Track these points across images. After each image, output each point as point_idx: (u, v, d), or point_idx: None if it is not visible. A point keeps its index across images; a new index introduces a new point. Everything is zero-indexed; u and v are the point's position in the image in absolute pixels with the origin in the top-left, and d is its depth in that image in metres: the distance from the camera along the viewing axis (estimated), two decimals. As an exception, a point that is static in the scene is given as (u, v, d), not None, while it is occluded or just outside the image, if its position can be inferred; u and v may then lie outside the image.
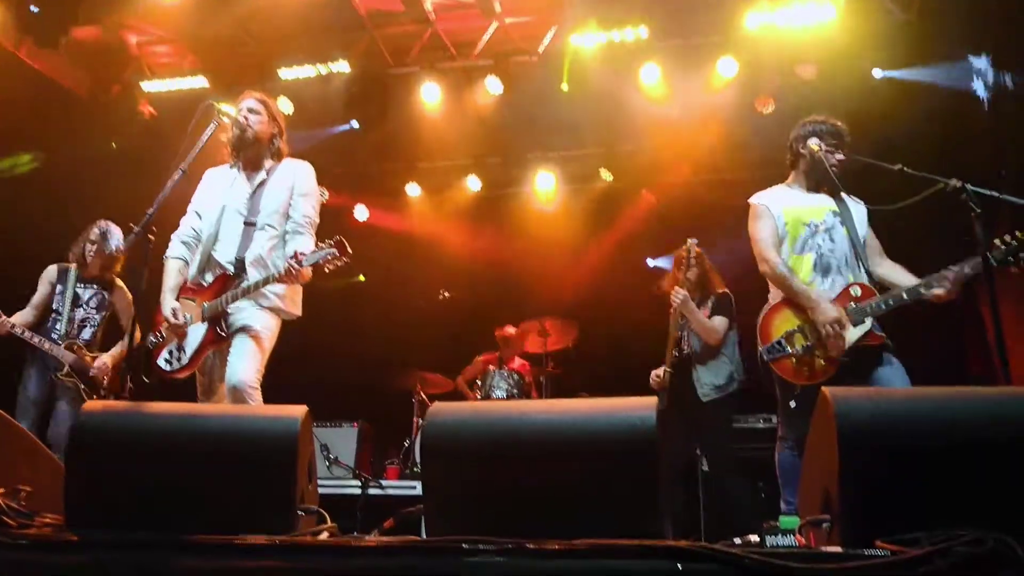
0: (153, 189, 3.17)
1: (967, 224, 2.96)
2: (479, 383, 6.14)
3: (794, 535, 1.97)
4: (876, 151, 3.66)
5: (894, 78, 5.84)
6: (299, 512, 2.08)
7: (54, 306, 4.73)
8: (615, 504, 1.89)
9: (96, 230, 4.78)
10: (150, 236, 3.06)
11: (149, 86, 6.76)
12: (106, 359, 4.70)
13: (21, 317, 4.66)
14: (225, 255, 3.42)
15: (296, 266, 3.15)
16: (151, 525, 1.96)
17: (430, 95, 6.60)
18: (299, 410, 2.16)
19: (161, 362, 3.39)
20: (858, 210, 3.59)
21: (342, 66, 6.42)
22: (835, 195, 3.59)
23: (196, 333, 3.36)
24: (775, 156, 3.91)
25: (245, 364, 3.22)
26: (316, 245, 3.26)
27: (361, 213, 8.05)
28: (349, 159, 7.52)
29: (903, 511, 1.72)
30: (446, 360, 6.81)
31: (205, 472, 2.07)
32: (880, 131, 5.07)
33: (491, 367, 6.29)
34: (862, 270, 3.46)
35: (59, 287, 4.76)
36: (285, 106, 6.30)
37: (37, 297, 4.76)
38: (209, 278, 3.43)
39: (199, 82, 6.62)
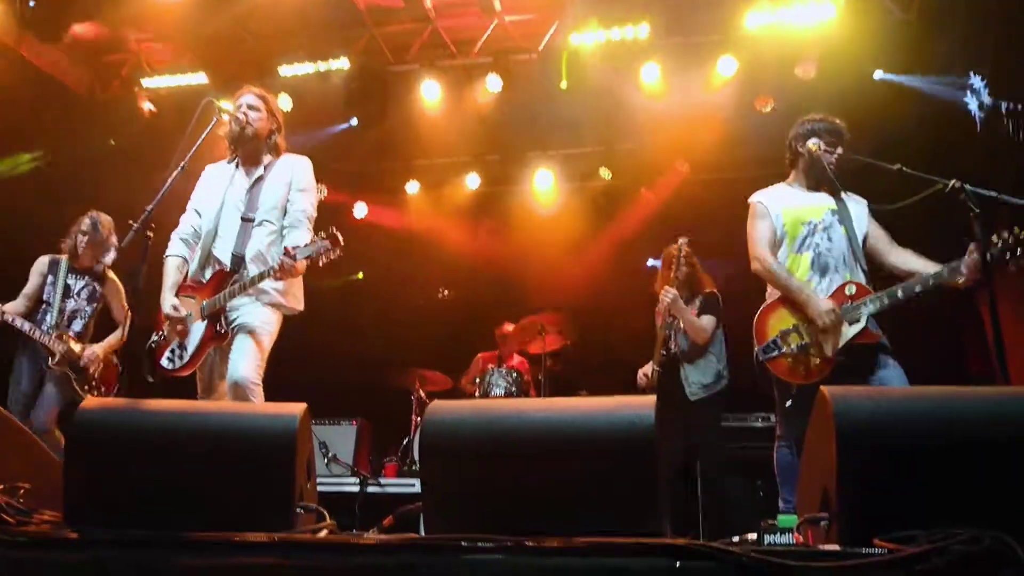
0: (152, 186, 3.17)
1: (966, 224, 2.96)
2: (478, 381, 6.15)
3: (792, 533, 1.97)
4: (875, 151, 3.66)
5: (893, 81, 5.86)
6: (298, 510, 2.08)
7: (44, 297, 4.75)
8: (614, 502, 1.89)
9: (87, 220, 4.81)
10: (149, 233, 3.05)
11: (149, 83, 6.75)
12: (96, 349, 4.73)
13: (12, 307, 4.67)
14: (224, 251, 3.42)
15: (289, 261, 3.14)
16: (150, 522, 1.95)
17: (430, 93, 6.60)
18: (298, 408, 2.17)
19: (164, 361, 3.39)
20: (858, 209, 3.59)
21: (342, 63, 6.41)
22: (835, 194, 3.59)
23: (196, 331, 3.36)
24: (775, 155, 3.92)
25: (246, 360, 3.22)
26: (311, 239, 3.26)
27: (360, 211, 8.05)
28: (348, 156, 7.52)
29: (901, 510, 1.72)
30: (445, 358, 6.82)
31: (204, 470, 2.07)
32: (879, 131, 5.06)
33: (490, 365, 6.30)
34: (859, 269, 3.47)
35: (50, 278, 4.78)
36: (285, 103, 6.29)
37: (28, 288, 4.78)
38: (208, 274, 3.43)
39: (199, 79, 6.61)
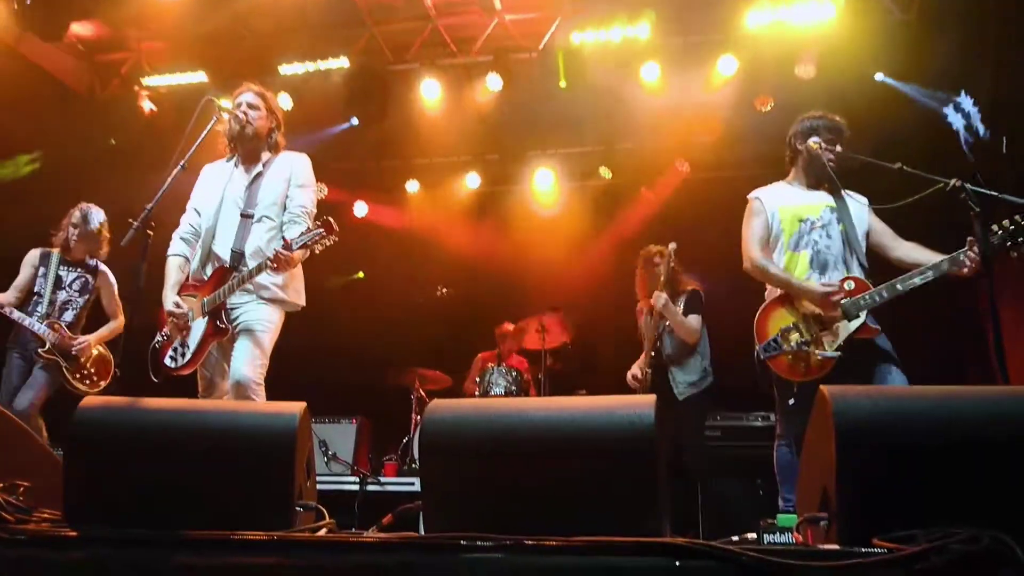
0: (152, 184, 3.17)
1: (966, 223, 2.96)
2: (478, 380, 6.15)
3: (792, 533, 1.97)
4: (875, 150, 3.66)
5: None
6: (297, 508, 2.08)
7: (36, 288, 4.76)
8: (614, 501, 1.88)
9: (77, 213, 4.82)
10: (149, 231, 3.05)
11: (148, 81, 6.75)
12: (88, 339, 4.74)
13: (3, 298, 4.68)
14: (223, 248, 3.42)
15: (285, 252, 3.13)
16: (149, 521, 1.95)
17: (430, 92, 6.60)
18: (298, 406, 2.16)
19: (167, 360, 3.40)
20: (857, 207, 3.59)
21: (342, 62, 6.41)
22: (834, 192, 3.59)
23: (197, 328, 3.37)
24: (775, 153, 3.92)
25: (248, 361, 3.22)
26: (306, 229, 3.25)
27: (360, 210, 8.05)
28: (348, 155, 7.52)
29: (901, 509, 1.72)
30: (445, 357, 6.82)
31: (203, 468, 2.07)
32: (879, 131, 5.07)
33: (490, 364, 6.30)
34: (858, 266, 3.47)
35: (41, 269, 4.79)
36: (285, 102, 6.29)
37: (19, 279, 4.79)
38: (209, 271, 3.43)
39: (198, 77, 6.61)
